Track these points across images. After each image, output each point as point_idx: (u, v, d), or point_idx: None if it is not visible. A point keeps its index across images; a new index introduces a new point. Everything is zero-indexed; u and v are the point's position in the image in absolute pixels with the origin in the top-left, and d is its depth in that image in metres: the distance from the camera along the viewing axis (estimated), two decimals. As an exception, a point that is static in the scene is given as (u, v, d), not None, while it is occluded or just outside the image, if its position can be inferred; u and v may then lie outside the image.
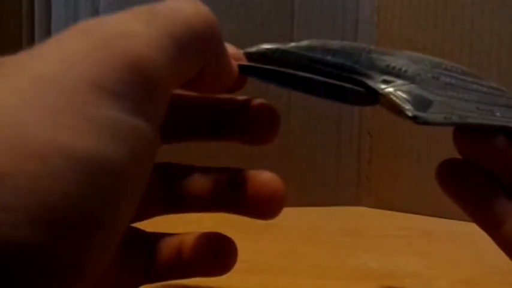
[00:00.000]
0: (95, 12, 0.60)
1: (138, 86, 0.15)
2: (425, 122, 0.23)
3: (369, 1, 0.69)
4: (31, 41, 0.61)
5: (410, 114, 0.23)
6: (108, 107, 0.14)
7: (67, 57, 0.15)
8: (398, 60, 0.25)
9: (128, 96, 0.15)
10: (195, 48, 0.18)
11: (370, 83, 0.24)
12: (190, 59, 0.18)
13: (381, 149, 0.69)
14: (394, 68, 0.24)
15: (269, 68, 0.23)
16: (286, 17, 0.68)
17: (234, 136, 0.24)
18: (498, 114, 0.25)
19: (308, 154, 0.70)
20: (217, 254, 0.24)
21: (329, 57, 0.24)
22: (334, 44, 0.24)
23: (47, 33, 0.60)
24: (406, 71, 0.24)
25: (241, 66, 0.23)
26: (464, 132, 0.25)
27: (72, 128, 0.13)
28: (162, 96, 0.16)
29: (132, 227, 0.24)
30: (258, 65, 0.23)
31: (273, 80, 0.23)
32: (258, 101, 0.24)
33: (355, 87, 0.24)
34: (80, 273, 0.14)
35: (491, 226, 0.26)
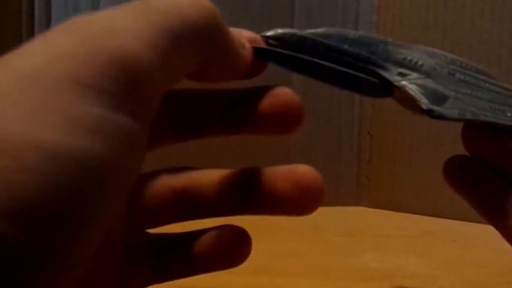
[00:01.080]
0: (95, 11, 0.60)
1: (121, 81, 0.15)
2: (440, 116, 0.23)
3: (368, 1, 0.69)
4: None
5: (425, 107, 0.23)
6: (88, 102, 0.14)
7: (50, 53, 0.15)
8: (414, 53, 0.25)
9: (109, 91, 0.15)
10: (192, 42, 0.18)
11: (385, 74, 0.24)
12: (187, 54, 0.18)
13: (381, 149, 0.69)
14: (410, 61, 0.24)
15: (286, 52, 0.23)
16: (286, 17, 0.68)
17: (252, 128, 0.23)
18: (509, 114, 0.25)
19: (308, 154, 0.70)
20: (233, 244, 0.23)
21: (346, 46, 0.24)
22: (351, 33, 0.24)
23: (47, 33, 0.60)
24: (422, 65, 0.24)
25: (257, 50, 0.22)
26: (473, 129, 0.25)
27: (50, 123, 0.14)
28: (151, 91, 0.16)
29: (136, 228, 0.24)
30: (275, 49, 0.23)
31: (289, 65, 0.23)
32: (277, 89, 0.22)
33: (371, 78, 0.23)
34: (59, 265, 0.14)
35: (499, 219, 0.25)
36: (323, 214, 0.74)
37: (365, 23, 0.70)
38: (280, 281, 0.43)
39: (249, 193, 0.23)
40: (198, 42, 0.18)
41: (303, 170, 0.23)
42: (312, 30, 0.24)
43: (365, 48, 0.24)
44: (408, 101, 0.24)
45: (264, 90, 0.23)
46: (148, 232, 0.25)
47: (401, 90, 0.23)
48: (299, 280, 0.43)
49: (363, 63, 0.24)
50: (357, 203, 0.70)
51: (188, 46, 0.18)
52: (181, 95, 0.23)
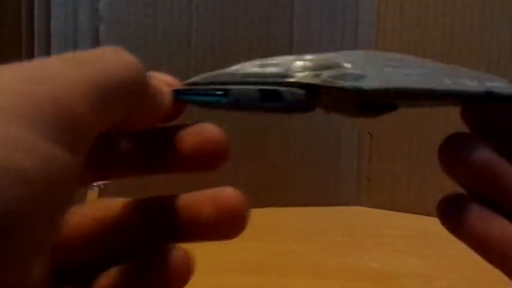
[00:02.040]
0: (95, 11, 0.60)
1: (54, 116, 0.17)
2: (358, 89, 0.22)
3: (369, 1, 0.69)
4: (31, 41, 0.61)
5: (340, 85, 0.22)
6: (27, 131, 0.16)
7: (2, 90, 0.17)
8: (332, 55, 0.24)
9: (45, 123, 0.17)
10: (119, 95, 0.20)
11: (302, 80, 0.23)
12: (114, 104, 0.20)
13: (381, 149, 0.69)
14: (328, 63, 0.24)
15: (202, 86, 0.23)
16: (286, 17, 0.68)
17: (174, 167, 0.23)
18: (448, 81, 0.23)
19: (308, 154, 0.70)
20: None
21: (263, 69, 0.24)
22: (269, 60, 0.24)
23: (47, 32, 0.60)
24: (338, 63, 0.24)
25: (176, 91, 0.23)
26: (472, 104, 0.24)
27: None
28: (82, 133, 0.18)
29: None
30: (191, 87, 0.24)
31: (208, 98, 0.23)
32: (203, 126, 0.23)
33: (291, 88, 0.23)
34: None
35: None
36: (323, 214, 0.74)
37: (365, 23, 0.70)
38: (280, 281, 0.43)
39: (171, 220, 0.23)
40: (124, 95, 0.20)
41: (227, 193, 0.23)
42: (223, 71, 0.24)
43: (280, 66, 0.24)
44: (334, 99, 0.23)
45: (189, 127, 0.23)
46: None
47: (325, 87, 0.23)
48: (299, 280, 0.43)
49: (281, 78, 0.23)
50: (357, 203, 0.70)
51: (115, 99, 0.20)
52: (108, 134, 0.24)
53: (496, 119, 0.23)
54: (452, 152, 0.24)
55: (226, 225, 0.22)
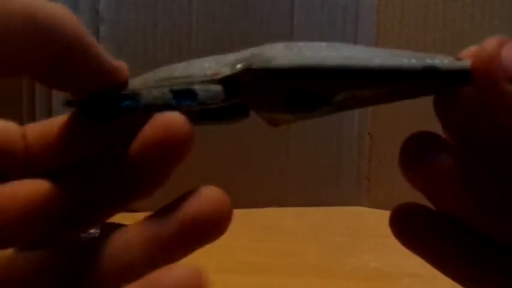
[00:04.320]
0: (95, 11, 0.60)
1: None
2: (264, 67, 0.20)
3: (369, 1, 0.69)
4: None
5: (246, 67, 0.20)
6: None
7: None
8: (254, 49, 0.23)
9: None
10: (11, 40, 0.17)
11: (217, 76, 0.22)
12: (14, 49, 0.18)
13: (381, 149, 0.69)
14: (246, 56, 0.22)
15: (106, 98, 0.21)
16: (286, 17, 0.68)
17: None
18: (378, 61, 0.20)
19: (308, 154, 0.70)
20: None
21: (175, 73, 0.22)
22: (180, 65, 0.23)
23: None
24: (255, 54, 0.22)
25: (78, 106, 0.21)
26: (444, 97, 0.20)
27: None
28: None
29: None
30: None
31: (121, 104, 0.21)
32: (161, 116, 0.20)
33: (208, 86, 0.22)
34: None
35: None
36: (323, 214, 0.74)
37: (365, 23, 0.70)
38: (280, 281, 0.43)
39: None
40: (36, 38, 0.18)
41: (209, 195, 0.20)
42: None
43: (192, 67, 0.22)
44: (257, 91, 0.21)
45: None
46: None
47: (245, 78, 0.21)
48: (299, 280, 0.43)
49: (198, 78, 0.22)
50: (357, 203, 0.70)
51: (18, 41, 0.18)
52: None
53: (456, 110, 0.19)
54: (404, 159, 0.21)
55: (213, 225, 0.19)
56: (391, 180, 0.67)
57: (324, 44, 0.21)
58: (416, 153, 0.20)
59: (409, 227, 0.21)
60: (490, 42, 0.19)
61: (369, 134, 0.70)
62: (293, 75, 0.20)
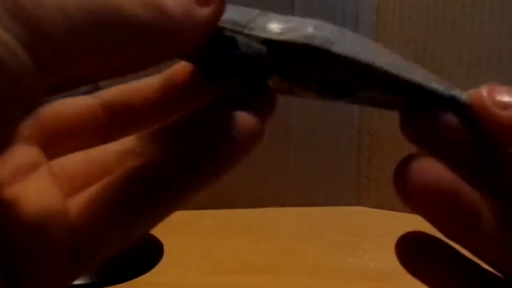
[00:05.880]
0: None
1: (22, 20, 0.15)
2: (310, 45, 0.20)
3: (369, 1, 0.69)
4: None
5: (295, 40, 0.20)
6: None
7: None
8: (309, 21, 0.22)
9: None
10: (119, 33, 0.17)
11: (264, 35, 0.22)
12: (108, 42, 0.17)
13: (380, 149, 0.69)
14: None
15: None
16: (286, 17, 0.68)
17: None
18: (418, 76, 0.21)
19: (308, 154, 0.70)
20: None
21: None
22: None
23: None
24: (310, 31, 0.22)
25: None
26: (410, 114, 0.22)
27: None
28: (53, 48, 0.16)
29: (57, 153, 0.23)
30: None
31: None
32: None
33: (251, 39, 0.22)
34: None
35: None
36: (323, 214, 0.74)
37: (365, 23, 0.70)
38: (280, 281, 0.43)
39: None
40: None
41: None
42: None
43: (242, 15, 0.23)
44: (294, 64, 0.21)
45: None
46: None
47: (285, 45, 0.20)
48: (299, 280, 0.43)
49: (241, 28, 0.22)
50: (357, 203, 0.70)
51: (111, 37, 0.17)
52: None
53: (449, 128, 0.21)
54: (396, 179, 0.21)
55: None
56: (391, 180, 0.67)
57: (370, 41, 0.23)
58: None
59: (416, 258, 0.22)
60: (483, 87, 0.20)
61: (369, 133, 0.70)
62: (341, 64, 0.20)
